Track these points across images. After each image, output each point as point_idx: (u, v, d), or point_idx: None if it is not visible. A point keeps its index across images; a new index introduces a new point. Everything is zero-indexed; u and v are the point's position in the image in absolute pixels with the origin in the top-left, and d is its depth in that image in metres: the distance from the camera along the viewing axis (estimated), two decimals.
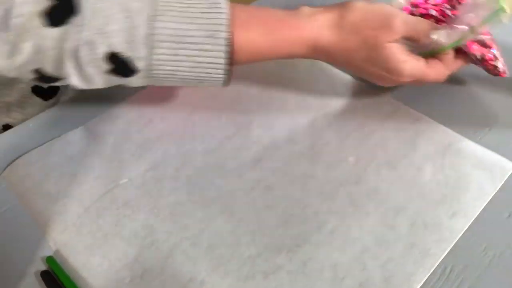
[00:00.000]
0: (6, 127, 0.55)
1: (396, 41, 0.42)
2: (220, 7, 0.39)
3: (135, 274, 0.37)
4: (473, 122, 0.46)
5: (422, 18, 0.46)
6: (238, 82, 0.49)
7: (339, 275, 0.36)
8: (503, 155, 0.43)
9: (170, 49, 0.38)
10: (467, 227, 0.38)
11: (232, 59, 0.40)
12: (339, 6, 0.43)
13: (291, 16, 0.43)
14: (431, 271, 0.36)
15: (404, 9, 0.50)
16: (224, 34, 0.38)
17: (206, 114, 0.48)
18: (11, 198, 0.43)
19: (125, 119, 0.49)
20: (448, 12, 0.48)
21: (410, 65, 0.43)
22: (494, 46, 0.46)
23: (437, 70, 0.44)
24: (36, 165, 0.45)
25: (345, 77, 0.52)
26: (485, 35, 0.46)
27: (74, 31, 0.36)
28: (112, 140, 0.47)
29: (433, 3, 0.50)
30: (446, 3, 0.49)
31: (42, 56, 0.37)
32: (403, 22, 0.42)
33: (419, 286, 0.35)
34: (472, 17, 0.44)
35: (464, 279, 0.35)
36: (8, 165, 0.45)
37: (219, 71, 0.40)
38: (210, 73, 0.40)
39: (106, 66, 0.38)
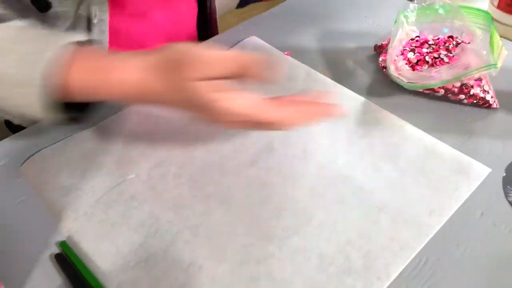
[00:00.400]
0: (8, 123, 0.59)
1: (201, 79, 0.39)
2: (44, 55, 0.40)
3: (140, 259, 0.40)
4: (453, 131, 0.50)
5: (241, 55, 0.41)
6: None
7: (324, 263, 0.39)
8: (479, 160, 0.47)
9: None
10: (442, 224, 0.42)
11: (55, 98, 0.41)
12: (160, 49, 0.41)
13: (116, 59, 0.42)
14: (408, 262, 0.39)
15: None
16: (38, 82, 0.39)
17: None
18: (28, 190, 0.47)
19: (134, 121, 0.53)
20: (443, 55, 0.53)
21: (229, 104, 0.39)
22: (484, 80, 0.51)
23: (278, 112, 0.40)
24: (52, 161, 0.49)
25: (338, 88, 0.56)
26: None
27: None
28: (121, 139, 0.51)
29: (429, 43, 0.55)
30: (442, 45, 0.55)
31: None
32: (203, 61, 0.39)
33: (396, 275, 0.39)
34: (467, 63, 0.49)
35: (436, 270, 0.39)
36: (26, 160, 0.49)
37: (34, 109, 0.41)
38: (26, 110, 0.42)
39: None
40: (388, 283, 0.38)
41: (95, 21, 0.54)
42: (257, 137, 0.50)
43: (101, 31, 0.55)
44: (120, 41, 0.59)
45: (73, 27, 0.54)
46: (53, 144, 0.51)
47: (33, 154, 0.50)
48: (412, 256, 0.40)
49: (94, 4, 0.52)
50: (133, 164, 0.48)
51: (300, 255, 0.40)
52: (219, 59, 0.40)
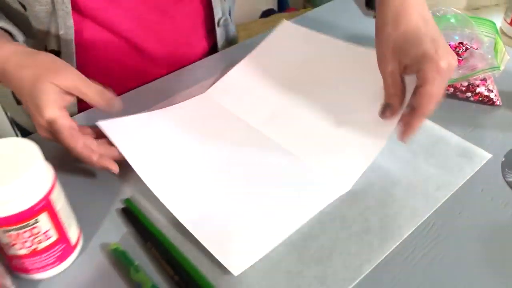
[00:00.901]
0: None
1: (58, 86, 0.47)
2: None
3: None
4: (460, 123, 0.58)
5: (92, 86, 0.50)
6: None
7: (346, 224, 0.47)
8: (481, 148, 0.54)
9: None
10: (447, 197, 0.49)
11: None
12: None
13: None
14: (417, 225, 0.47)
15: None
16: None
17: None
18: None
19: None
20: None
21: (51, 113, 0.47)
22: (489, 81, 0.59)
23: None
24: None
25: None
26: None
27: None
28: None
29: None
30: (453, 50, 0.62)
31: None
32: (74, 77, 0.49)
33: (407, 235, 0.46)
34: (474, 65, 0.57)
35: (441, 233, 0.46)
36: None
37: None
38: None
39: None
40: (400, 241, 0.46)
41: (61, 32, 0.59)
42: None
43: (67, 44, 0.61)
44: (96, 51, 0.65)
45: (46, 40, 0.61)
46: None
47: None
48: (421, 221, 0.47)
49: (59, 17, 0.58)
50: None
51: (326, 217, 0.48)
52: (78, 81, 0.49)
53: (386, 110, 0.50)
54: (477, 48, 0.62)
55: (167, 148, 0.55)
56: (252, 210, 0.48)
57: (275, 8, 2.05)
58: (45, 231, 0.40)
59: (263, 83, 0.63)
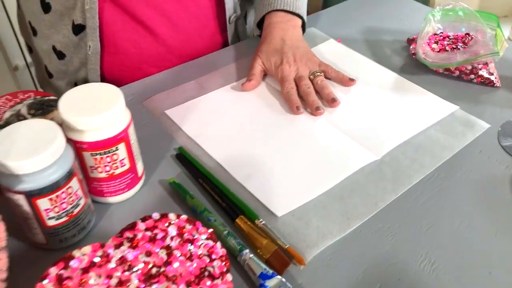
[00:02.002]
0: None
1: None
2: None
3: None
4: (464, 100, 0.67)
5: None
6: None
7: (364, 172, 0.56)
8: (482, 119, 0.63)
9: None
10: (451, 156, 0.58)
11: None
12: None
13: None
14: (424, 175, 0.56)
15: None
16: None
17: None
18: (149, 116, 0.65)
19: (226, 79, 0.71)
20: (460, 47, 0.70)
21: None
22: (490, 65, 0.68)
23: None
24: (165, 100, 0.67)
25: (377, 66, 0.73)
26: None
27: None
28: (214, 90, 0.69)
29: (450, 38, 0.73)
30: (460, 40, 0.72)
31: None
32: None
33: (415, 182, 0.55)
34: (477, 50, 0.66)
35: (444, 182, 0.55)
36: (147, 98, 0.68)
37: None
38: None
39: None
40: (409, 187, 0.55)
41: (86, 7, 0.67)
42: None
43: (92, 17, 0.69)
44: (115, 29, 0.73)
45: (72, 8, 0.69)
46: (165, 90, 0.69)
47: (151, 96, 0.68)
48: (428, 172, 0.56)
49: None
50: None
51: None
52: None
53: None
54: (480, 38, 0.71)
55: (223, 121, 0.64)
56: (295, 168, 0.57)
57: None
58: (121, 158, 0.50)
59: None
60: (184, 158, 0.58)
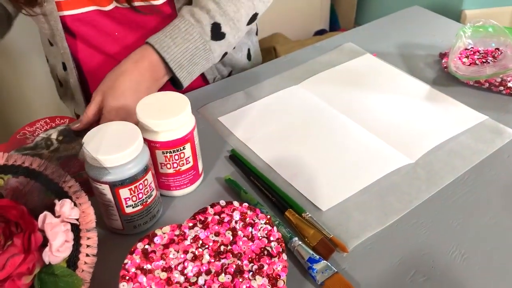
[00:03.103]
0: None
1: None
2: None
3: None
4: (493, 110, 0.72)
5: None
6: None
7: (400, 174, 0.62)
8: (510, 127, 0.68)
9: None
10: (480, 160, 0.64)
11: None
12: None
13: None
14: (456, 177, 0.61)
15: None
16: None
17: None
18: (204, 122, 0.73)
19: (271, 89, 0.78)
20: (490, 61, 0.76)
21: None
22: None
23: None
24: (218, 108, 0.75)
25: (411, 79, 0.79)
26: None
27: None
28: (261, 99, 0.76)
29: (480, 52, 0.78)
30: (490, 54, 0.77)
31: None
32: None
33: (447, 183, 0.60)
34: (506, 64, 0.72)
35: (474, 183, 0.61)
36: (202, 106, 0.76)
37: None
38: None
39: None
40: (441, 187, 0.60)
41: (61, 52, 0.77)
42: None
43: (68, 60, 0.78)
44: (93, 68, 0.81)
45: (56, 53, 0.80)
46: (218, 99, 0.77)
47: (205, 104, 0.76)
48: (459, 174, 0.62)
49: (57, 40, 0.76)
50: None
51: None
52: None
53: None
54: (510, 52, 0.77)
55: (269, 125, 0.71)
56: (336, 167, 0.63)
57: (327, 28, 2.23)
58: (187, 157, 0.57)
59: (344, 87, 0.79)
60: (237, 159, 0.65)
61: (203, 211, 0.47)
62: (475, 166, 0.63)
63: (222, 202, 0.48)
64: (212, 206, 0.47)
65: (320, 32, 2.15)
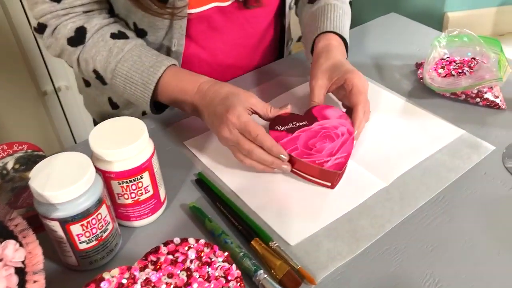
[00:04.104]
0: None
1: (246, 101, 0.61)
2: (157, 70, 0.67)
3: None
4: (470, 123, 0.70)
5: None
6: None
7: (373, 194, 0.59)
8: (487, 141, 0.66)
9: (121, 80, 0.69)
10: (456, 178, 0.61)
11: (154, 99, 0.69)
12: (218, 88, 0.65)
13: (187, 87, 0.67)
14: (431, 197, 0.59)
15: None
16: (152, 87, 0.67)
17: None
18: (172, 142, 0.69)
19: None
20: (466, 71, 0.73)
21: (242, 112, 0.60)
22: (495, 88, 0.71)
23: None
24: (186, 128, 0.72)
25: (385, 92, 0.77)
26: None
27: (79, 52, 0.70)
28: None
29: (456, 62, 0.76)
30: (466, 64, 0.75)
31: (62, 55, 0.73)
32: (254, 97, 0.63)
33: (421, 204, 0.58)
34: (482, 76, 0.69)
35: (450, 203, 0.58)
36: (173, 124, 0.72)
37: (144, 103, 0.69)
38: (140, 101, 0.69)
39: (92, 74, 0.71)
40: (415, 208, 0.57)
41: (173, 49, 0.76)
42: None
43: (177, 57, 0.77)
44: (191, 65, 0.81)
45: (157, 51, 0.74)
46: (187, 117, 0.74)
47: (173, 123, 0.73)
48: (434, 194, 0.59)
49: (174, 38, 0.75)
50: None
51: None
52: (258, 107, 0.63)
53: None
54: (485, 62, 0.74)
55: None
56: (307, 197, 0.60)
57: None
58: (145, 186, 0.54)
59: None
60: (203, 183, 0.62)
61: (155, 250, 0.44)
62: (451, 184, 0.60)
63: (177, 240, 0.44)
64: (166, 244, 0.44)
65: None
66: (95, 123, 0.95)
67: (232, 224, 0.57)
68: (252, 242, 0.53)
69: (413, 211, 0.57)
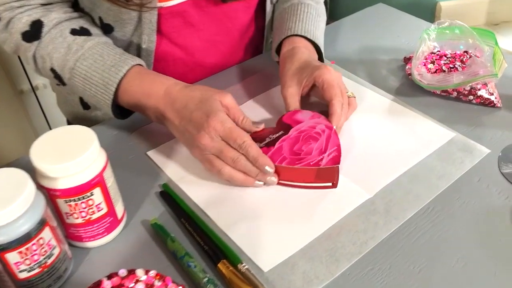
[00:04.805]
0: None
1: (220, 102, 0.56)
2: (120, 69, 0.60)
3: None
4: (462, 123, 0.64)
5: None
6: None
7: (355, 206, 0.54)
8: (481, 144, 0.60)
9: (80, 80, 0.62)
10: (448, 185, 0.55)
11: (115, 101, 0.62)
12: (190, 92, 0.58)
13: (153, 88, 0.60)
14: (419, 208, 0.53)
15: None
16: (113, 88, 0.60)
17: None
18: (136, 151, 0.63)
19: None
20: (457, 66, 0.67)
21: (222, 116, 0.54)
22: (490, 85, 0.65)
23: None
24: (151, 135, 0.66)
25: (370, 90, 0.70)
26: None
27: (35, 48, 0.64)
28: None
29: (447, 56, 0.69)
30: (458, 58, 0.69)
31: (18, 51, 0.66)
32: (230, 98, 0.57)
33: (409, 216, 0.52)
34: (475, 71, 0.63)
35: (440, 215, 0.52)
36: (135, 130, 0.66)
37: (105, 105, 0.62)
38: (101, 104, 0.63)
39: (50, 73, 0.65)
40: (403, 222, 0.52)
41: (143, 46, 0.70)
42: None
43: (148, 55, 0.71)
44: (165, 64, 0.75)
45: (126, 49, 0.69)
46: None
47: (138, 128, 0.67)
48: (423, 205, 0.53)
49: (144, 34, 0.69)
50: None
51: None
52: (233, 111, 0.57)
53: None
54: (479, 56, 0.68)
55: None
56: (283, 215, 0.54)
57: None
58: (98, 203, 0.48)
59: None
60: (168, 196, 0.56)
61: (97, 285, 0.37)
62: (442, 193, 0.55)
63: (123, 272, 0.38)
64: (109, 277, 0.38)
65: None
66: (69, 123, 0.89)
67: (197, 243, 0.51)
68: (219, 265, 0.47)
69: (399, 224, 0.51)
